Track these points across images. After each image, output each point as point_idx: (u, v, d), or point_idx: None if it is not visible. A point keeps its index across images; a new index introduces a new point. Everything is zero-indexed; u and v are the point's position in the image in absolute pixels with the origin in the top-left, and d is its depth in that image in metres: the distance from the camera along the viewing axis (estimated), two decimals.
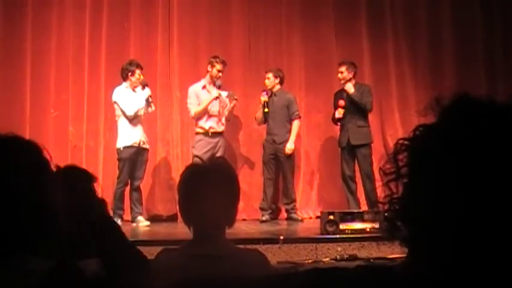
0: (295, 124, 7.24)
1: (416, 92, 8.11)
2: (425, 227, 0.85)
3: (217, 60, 7.01)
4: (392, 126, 8.04)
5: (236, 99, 7.08)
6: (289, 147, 7.13)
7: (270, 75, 7.23)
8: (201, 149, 6.90)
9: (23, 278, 0.98)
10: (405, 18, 8.29)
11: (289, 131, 7.19)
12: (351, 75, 7.12)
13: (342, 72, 7.14)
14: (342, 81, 7.14)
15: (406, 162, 0.89)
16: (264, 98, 7.18)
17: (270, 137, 7.22)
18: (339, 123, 7.18)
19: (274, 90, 7.24)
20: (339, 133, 7.29)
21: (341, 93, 7.18)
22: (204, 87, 7.08)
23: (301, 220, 7.26)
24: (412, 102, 8.03)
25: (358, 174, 7.19)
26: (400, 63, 8.26)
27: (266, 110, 7.16)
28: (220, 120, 7.07)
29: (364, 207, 6.98)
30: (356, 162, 7.15)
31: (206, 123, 7.02)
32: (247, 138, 7.92)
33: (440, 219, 0.83)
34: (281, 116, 7.19)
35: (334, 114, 7.16)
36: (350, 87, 7.02)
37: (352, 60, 7.30)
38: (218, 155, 6.60)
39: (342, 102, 7.06)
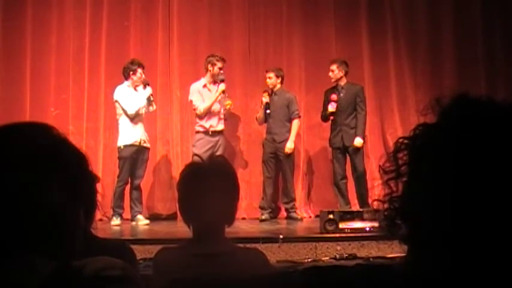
0: (295, 123, 7.24)
1: (416, 91, 8.11)
2: (424, 225, 0.85)
3: (217, 58, 7.02)
4: (392, 125, 8.04)
5: (231, 105, 7.09)
6: (289, 146, 7.14)
7: (272, 74, 7.22)
8: (201, 147, 6.90)
9: (25, 278, 0.98)
10: (405, 18, 8.29)
11: (289, 130, 7.19)
12: (341, 74, 7.09)
13: (332, 71, 7.12)
14: (333, 80, 7.14)
15: (405, 160, 0.89)
16: (265, 99, 7.17)
17: (270, 136, 7.22)
18: (331, 118, 7.08)
19: (275, 89, 7.24)
20: (329, 133, 7.25)
21: (332, 90, 7.16)
22: (204, 86, 7.09)
23: (301, 219, 7.27)
24: (411, 102, 8.03)
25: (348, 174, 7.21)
26: (400, 63, 8.25)
27: (268, 111, 7.16)
28: (220, 118, 7.07)
29: (353, 207, 6.99)
30: (348, 162, 7.15)
31: (207, 122, 7.02)
32: (247, 137, 7.92)
33: (439, 217, 0.83)
34: (281, 115, 7.19)
35: (325, 109, 7.11)
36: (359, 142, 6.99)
37: (344, 59, 7.28)
38: (218, 153, 6.60)
39: (334, 97, 7.03)
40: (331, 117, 7.10)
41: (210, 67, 7.04)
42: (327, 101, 7.17)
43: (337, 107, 7.01)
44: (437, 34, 8.28)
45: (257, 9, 8.11)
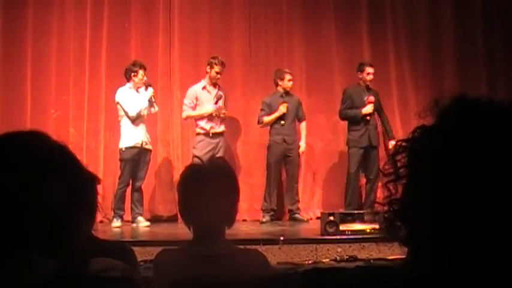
0: (305, 125, 7.34)
1: (416, 92, 8.11)
2: (423, 226, 0.85)
3: (217, 61, 7.01)
4: (392, 127, 8.03)
5: (224, 113, 7.11)
6: (303, 146, 7.23)
7: (291, 76, 7.22)
8: (202, 149, 6.90)
9: (25, 278, 0.98)
10: (406, 19, 8.29)
11: (297, 132, 7.23)
12: None
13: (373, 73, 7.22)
14: (369, 82, 7.20)
15: (404, 163, 0.90)
16: (284, 109, 7.11)
17: (280, 137, 7.15)
18: (368, 117, 7.09)
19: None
20: (350, 132, 7.22)
21: (356, 89, 7.21)
22: (204, 87, 7.10)
23: (306, 220, 7.24)
24: (412, 103, 8.03)
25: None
26: (400, 64, 8.25)
27: (282, 122, 7.14)
28: (219, 123, 7.09)
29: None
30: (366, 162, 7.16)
31: (207, 124, 7.03)
32: (247, 138, 7.91)
33: (438, 219, 0.83)
34: (292, 117, 7.22)
35: (349, 108, 7.13)
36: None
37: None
38: (219, 155, 6.61)
39: (372, 98, 7.11)
40: (368, 117, 7.12)
41: (208, 69, 7.06)
42: (348, 99, 7.18)
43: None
44: (438, 34, 8.28)
45: (257, 9, 8.11)
